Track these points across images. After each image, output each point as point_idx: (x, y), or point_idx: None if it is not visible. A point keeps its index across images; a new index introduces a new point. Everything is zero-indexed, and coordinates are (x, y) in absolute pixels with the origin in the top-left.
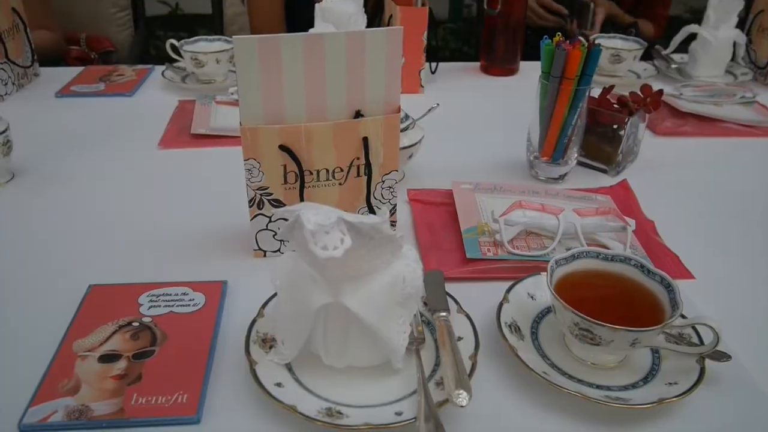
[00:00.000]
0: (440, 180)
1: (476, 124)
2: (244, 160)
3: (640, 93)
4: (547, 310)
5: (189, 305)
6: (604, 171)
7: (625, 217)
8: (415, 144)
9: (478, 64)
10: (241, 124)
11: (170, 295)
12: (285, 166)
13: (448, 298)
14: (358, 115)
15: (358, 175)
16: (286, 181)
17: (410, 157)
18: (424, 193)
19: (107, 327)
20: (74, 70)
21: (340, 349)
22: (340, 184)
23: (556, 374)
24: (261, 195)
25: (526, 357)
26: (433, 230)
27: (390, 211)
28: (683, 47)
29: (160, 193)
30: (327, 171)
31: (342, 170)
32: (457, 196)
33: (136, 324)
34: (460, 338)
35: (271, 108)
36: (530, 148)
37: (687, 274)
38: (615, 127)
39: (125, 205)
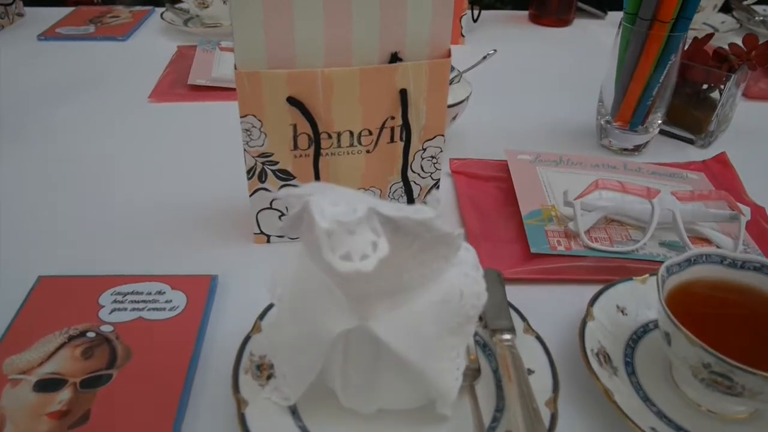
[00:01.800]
0: (489, 148)
1: (528, 81)
2: (241, 117)
3: (741, 45)
4: (644, 331)
5: (164, 309)
6: (690, 141)
7: (737, 204)
8: (462, 102)
9: (526, 12)
10: (236, 68)
11: (141, 293)
12: (295, 126)
13: (511, 311)
14: (394, 58)
15: (392, 140)
16: (296, 146)
17: (454, 118)
18: (471, 164)
19: (53, 338)
20: (64, 11)
21: (365, 387)
22: (368, 151)
23: (666, 428)
24: (263, 164)
25: (624, 403)
26: (482, 213)
27: (431, 188)
28: None
29: (142, 158)
30: (351, 134)
31: (371, 133)
32: (513, 169)
33: (91, 335)
34: (530, 371)
35: (278, 46)
36: (602, 111)
37: None
38: (705, 87)
39: (100, 172)
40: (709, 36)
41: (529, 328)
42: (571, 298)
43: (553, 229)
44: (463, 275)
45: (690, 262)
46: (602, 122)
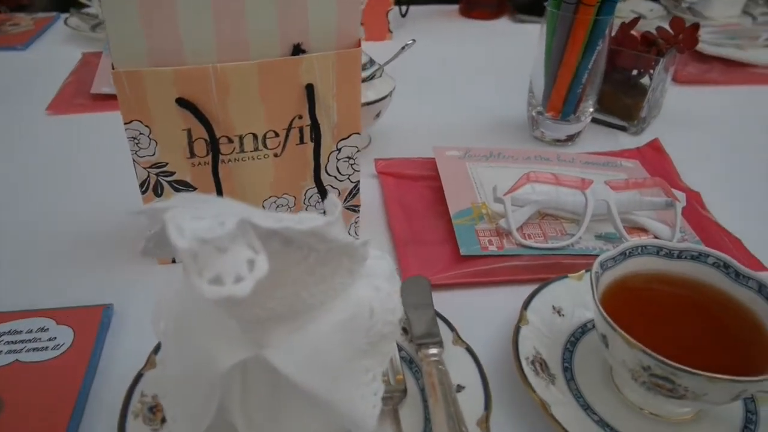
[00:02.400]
0: (418, 146)
1: (459, 75)
2: (125, 124)
3: (669, 29)
4: (582, 332)
5: (47, 348)
6: (623, 129)
7: (672, 190)
8: (384, 98)
9: (457, 6)
10: (113, 68)
11: (20, 332)
12: (189, 131)
13: (439, 322)
14: (297, 50)
15: (302, 141)
16: (192, 154)
17: (378, 116)
18: (398, 164)
19: None
20: None
21: (270, 424)
22: (276, 155)
23: None
24: (157, 175)
25: (563, 414)
26: (411, 215)
27: (351, 191)
28: None
29: (34, 175)
30: (254, 137)
31: (277, 135)
32: (441, 167)
33: None
34: (460, 388)
35: (161, 40)
36: (532, 102)
37: (757, 265)
38: (635, 73)
39: None
40: (636, 20)
41: (458, 339)
42: (505, 300)
43: (484, 228)
44: (374, 289)
45: (625, 255)
46: (534, 113)
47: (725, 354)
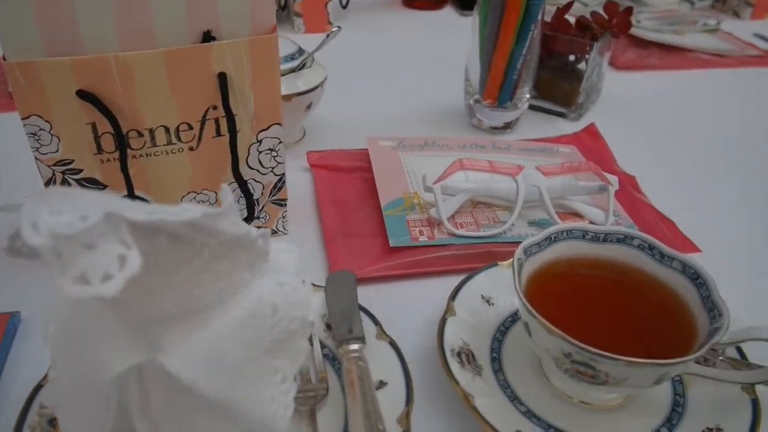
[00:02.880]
0: (355, 137)
1: (398, 66)
2: (23, 119)
3: (602, 13)
4: (512, 321)
5: None
6: (561, 115)
7: (605, 174)
8: (316, 88)
9: None
10: (4, 59)
11: None
12: (94, 125)
13: (363, 316)
14: (207, 37)
15: (219, 134)
16: (100, 149)
17: (309, 107)
18: (331, 156)
19: None
20: None
21: (175, 427)
22: (191, 149)
23: (536, 427)
24: (63, 173)
25: (487, 406)
26: (342, 208)
27: (276, 185)
28: None
29: None
30: (166, 130)
31: (191, 127)
32: (374, 157)
33: None
34: (382, 384)
35: (56, 28)
36: (469, 90)
37: (690, 247)
38: (573, 58)
39: None
40: (570, 4)
41: (382, 334)
42: (435, 292)
43: (416, 218)
44: (278, 284)
45: (550, 240)
46: (471, 102)
47: (651, 336)
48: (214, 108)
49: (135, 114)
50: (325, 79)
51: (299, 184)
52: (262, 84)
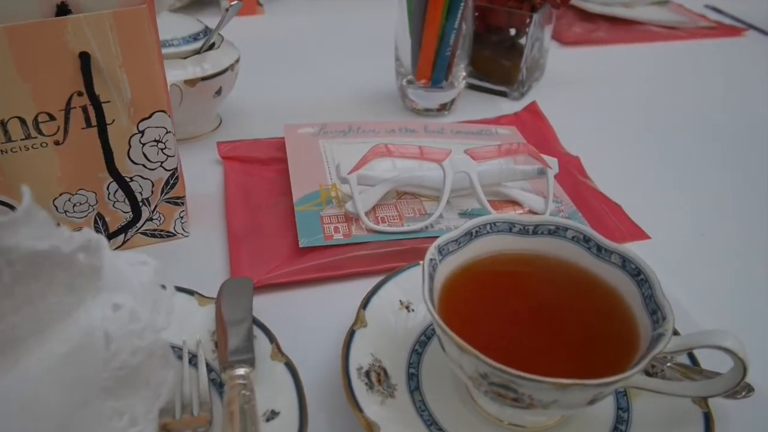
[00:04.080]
0: (275, 126)
1: (331, 48)
2: None
3: None
4: (435, 330)
5: None
6: (503, 94)
7: (542, 156)
8: (225, 71)
9: None
10: None
11: None
12: None
13: (258, 332)
14: (62, 11)
15: (89, 124)
16: None
17: (219, 92)
18: (245, 146)
19: None
20: None
21: None
22: (56, 143)
23: None
24: None
25: None
26: (252, 205)
27: (167, 181)
28: None
29: None
30: (22, 121)
31: (53, 118)
32: (290, 146)
33: None
34: (273, 414)
35: None
36: (401, 71)
37: (638, 233)
38: (513, 33)
39: None
40: None
41: (278, 353)
42: (349, 299)
43: (332, 214)
44: (112, 307)
45: (471, 235)
46: (403, 82)
47: (586, 346)
48: (80, 94)
49: None
50: (237, 60)
51: (210, 179)
52: (137, 65)
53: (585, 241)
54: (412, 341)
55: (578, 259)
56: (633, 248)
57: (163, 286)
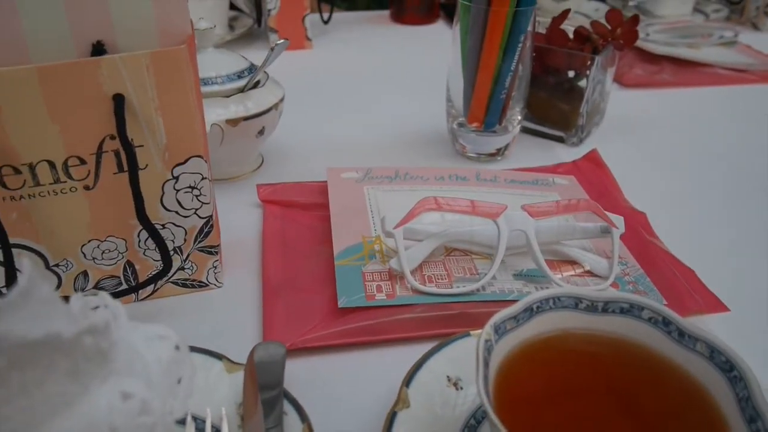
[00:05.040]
0: (321, 167)
1: (381, 87)
2: None
3: (605, 23)
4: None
5: None
6: (559, 139)
7: (607, 213)
8: (269, 111)
9: (387, 12)
10: None
11: None
12: None
13: (288, 408)
14: (97, 50)
15: (121, 169)
16: None
17: (262, 132)
18: (286, 189)
19: None
20: None
21: None
22: (86, 188)
23: None
24: None
25: None
26: (290, 255)
27: (201, 230)
28: None
29: None
30: (51, 165)
31: (83, 162)
32: (333, 192)
33: None
34: None
35: None
36: (452, 112)
37: (716, 304)
38: (572, 74)
39: None
40: (566, 12)
41: None
42: (392, 368)
43: (375, 270)
44: (120, 397)
45: (531, 311)
46: (453, 125)
47: None
48: (112, 138)
49: (6, 146)
50: (282, 99)
51: (247, 223)
52: (173, 108)
53: (664, 324)
54: (461, 426)
55: (655, 344)
56: (711, 322)
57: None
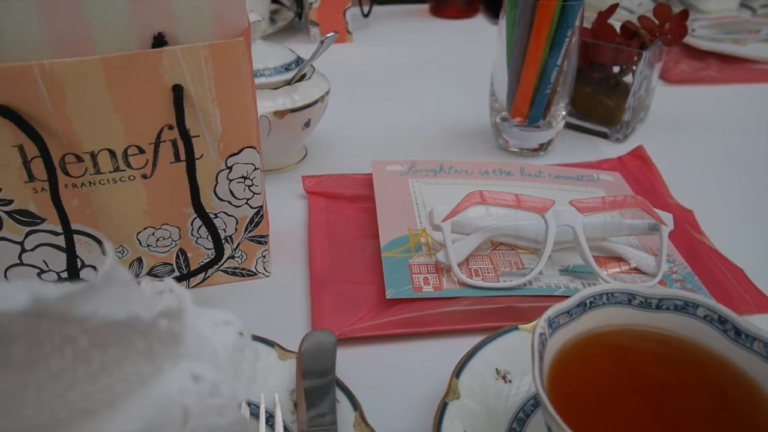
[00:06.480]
0: (364, 159)
1: (421, 80)
2: None
3: (653, 18)
4: (535, 403)
5: None
6: (603, 135)
7: (656, 210)
8: (315, 103)
9: (427, 6)
10: None
11: None
12: (22, 148)
13: (341, 396)
14: (158, 42)
15: (178, 158)
16: (31, 177)
17: (308, 124)
18: (331, 181)
19: None
20: None
21: None
22: (145, 176)
23: None
24: None
25: None
26: (337, 246)
27: (252, 219)
28: None
29: None
30: (111, 154)
31: (142, 151)
32: (378, 185)
33: None
34: None
35: None
36: (495, 107)
37: (765, 303)
38: (618, 70)
39: None
40: (614, 7)
41: (361, 422)
42: (440, 358)
43: (421, 263)
44: (191, 378)
45: (584, 306)
46: (497, 119)
47: None
48: (170, 128)
49: (70, 135)
50: (327, 92)
51: (293, 214)
52: (230, 100)
53: (720, 322)
54: (510, 418)
55: (710, 342)
56: (760, 322)
57: (253, 336)
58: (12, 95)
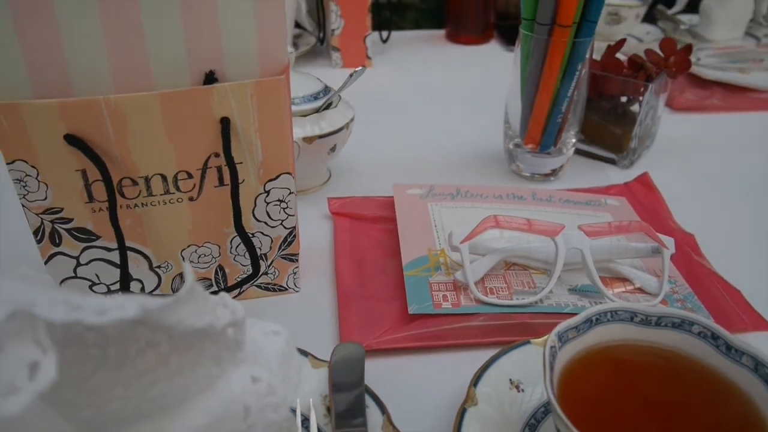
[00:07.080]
0: (384, 182)
1: (438, 105)
2: (7, 164)
3: (659, 51)
4: (546, 411)
5: None
6: (611, 161)
7: (658, 235)
8: (340, 130)
9: (443, 31)
10: None
11: None
12: (84, 172)
13: (369, 401)
14: (210, 79)
15: (221, 183)
16: (91, 198)
17: (333, 149)
18: (354, 203)
19: None
20: None
21: None
22: (191, 199)
23: None
24: (53, 222)
25: None
26: (361, 264)
27: (285, 239)
28: (693, 6)
29: None
30: (163, 178)
31: (190, 176)
32: (399, 207)
33: None
34: None
35: (45, 68)
36: (509, 133)
37: (761, 323)
38: (625, 99)
39: None
40: (622, 42)
41: (389, 425)
42: (459, 369)
43: (440, 281)
44: (251, 380)
45: (591, 323)
46: (510, 145)
47: None
48: (216, 155)
49: (128, 161)
50: (352, 119)
51: (319, 233)
52: (270, 129)
53: (713, 338)
54: (523, 423)
55: (704, 356)
56: (755, 339)
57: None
58: (80, 125)
